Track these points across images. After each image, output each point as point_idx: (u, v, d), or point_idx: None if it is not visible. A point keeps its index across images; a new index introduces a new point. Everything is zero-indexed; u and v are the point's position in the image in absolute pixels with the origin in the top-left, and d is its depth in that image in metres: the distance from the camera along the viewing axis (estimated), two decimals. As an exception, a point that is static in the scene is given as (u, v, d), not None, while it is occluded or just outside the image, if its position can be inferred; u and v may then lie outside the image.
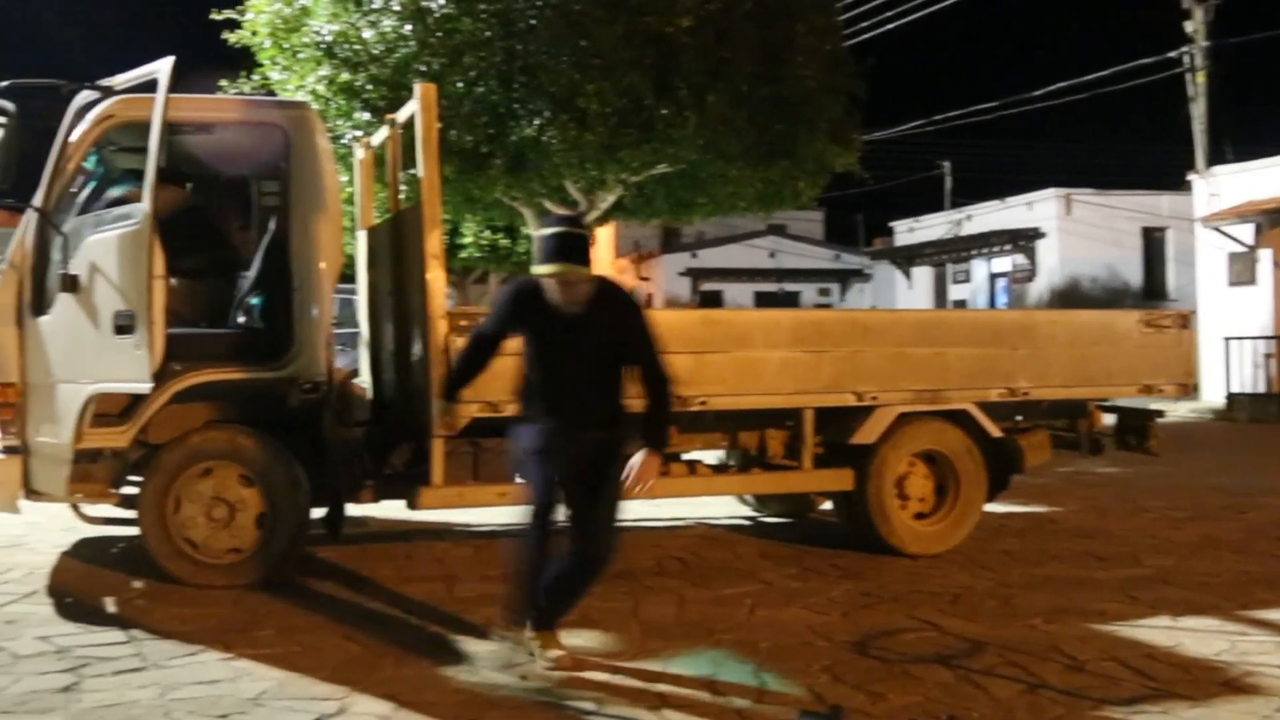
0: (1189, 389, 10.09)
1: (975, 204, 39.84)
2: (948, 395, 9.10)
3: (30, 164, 7.67)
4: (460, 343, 7.86)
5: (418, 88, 8.43)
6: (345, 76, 14.60)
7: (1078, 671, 6.13)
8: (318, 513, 8.29)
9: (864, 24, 28.20)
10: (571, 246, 5.84)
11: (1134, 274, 34.93)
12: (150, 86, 7.60)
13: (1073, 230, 34.37)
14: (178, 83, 7.51)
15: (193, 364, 7.80)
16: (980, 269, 39.00)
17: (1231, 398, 23.92)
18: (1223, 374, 24.55)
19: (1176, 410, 21.78)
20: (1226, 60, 27.79)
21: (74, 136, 7.95)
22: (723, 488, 9.60)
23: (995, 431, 9.21)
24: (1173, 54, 27.61)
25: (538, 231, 5.71)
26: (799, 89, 15.16)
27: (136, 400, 7.65)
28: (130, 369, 7.47)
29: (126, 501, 8.07)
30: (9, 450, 7.73)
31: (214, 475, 7.91)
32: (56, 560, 8.82)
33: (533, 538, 6.07)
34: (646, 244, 48.77)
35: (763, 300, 46.17)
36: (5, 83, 7.44)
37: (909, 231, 43.61)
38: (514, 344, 7.92)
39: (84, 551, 9.12)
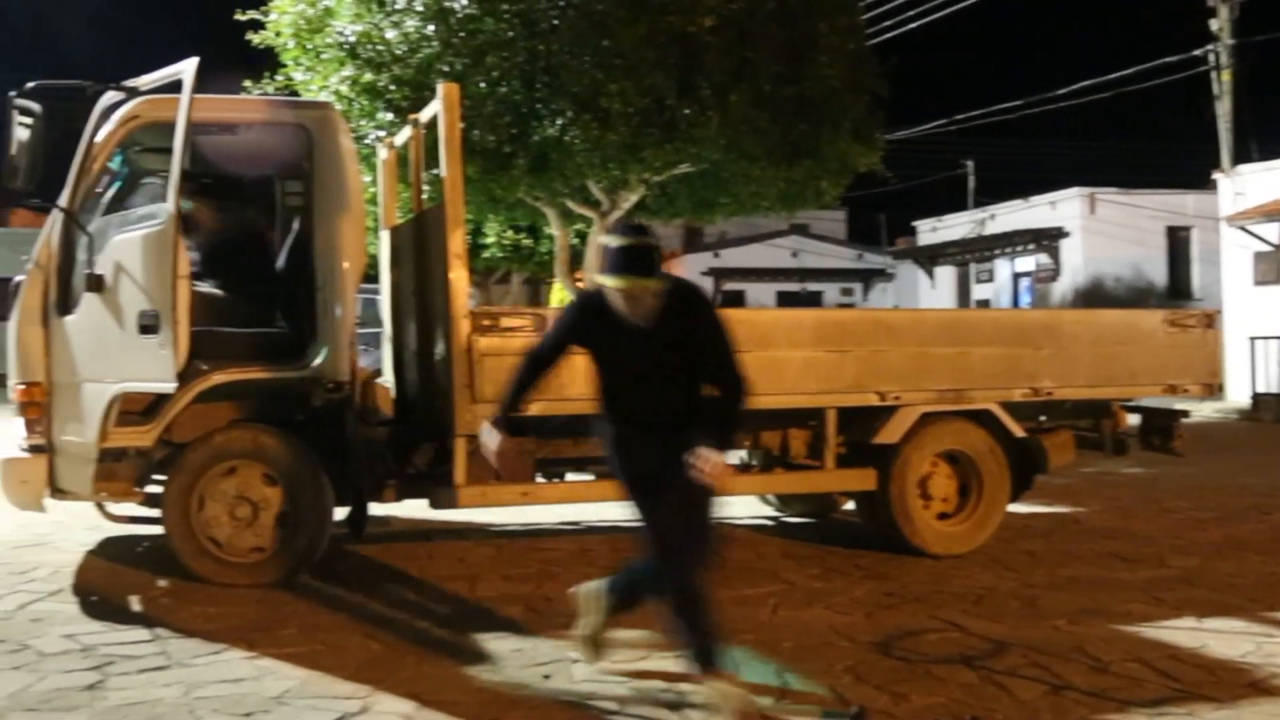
0: (1214, 389, 10.04)
1: (998, 203, 39.72)
2: (971, 395, 9.07)
3: (56, 164, 7.71)
4: (484, 344, 7.91)
5: (440, 88, 8.45)
6: (368, 77, 14.61)
7: (1102, 673, 6.11)
8: (340, 512, 8.32)
9: (887, 23, 28.19)
10: (639, 259, 5.55)
11: (1158, 273, 34.77)
12: (175, 87, 7.64)
13: (1097, 229, 34.23)
14: (202, 83, 7.55)
15: (217, 363, 7.83)
16: (1004, 268, 38.90)
17: (1257, 398, 23.80)
18: (1248, 374, 24.42)
19: (1201, 410, 21.66)
20: (1252, 58, 27.59)
21: (99, 137, 8.00)
22: (745, 488, 9.59)
23: (1019, 431, 9.18)
24: (1198, 52, 27.48)
25: (603, 239, 5.54)
26: (822, 88, 15.12)
27: (161, 399, 7.69)
28: (154, 369, 7.51)
29: (151, 500, 8.11)
30: (35, 449, 7.78)
31: (238, 474, 7.95)
32: (81, 559, 8.87)
33: (680, 562, 5.50)
34: (669, 244, 48.70)
35: (785, 300, 46.10)
36: (31, 84, 7.49)
37: (932, 231, 43.50)
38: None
39: (109, 550, 9.17)
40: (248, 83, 16.32)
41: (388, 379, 9.91)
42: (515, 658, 6.36)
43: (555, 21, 14.24)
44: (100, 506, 8.38)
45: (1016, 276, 38.33)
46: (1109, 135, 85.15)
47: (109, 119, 8.03)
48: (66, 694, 5.74)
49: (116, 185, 8.83)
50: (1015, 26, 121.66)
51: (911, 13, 28.73)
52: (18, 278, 7.93)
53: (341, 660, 6.30)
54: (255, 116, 8.72)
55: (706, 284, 46.14)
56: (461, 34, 14.30)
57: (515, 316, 8.13)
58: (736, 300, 45.53)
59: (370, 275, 9.52)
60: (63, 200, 7.80)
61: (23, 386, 7.79)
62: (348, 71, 14.70)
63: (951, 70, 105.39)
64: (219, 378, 7.81)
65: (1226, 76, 27.13)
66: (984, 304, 38.92)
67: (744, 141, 14.68)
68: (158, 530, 8.22)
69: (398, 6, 14.63)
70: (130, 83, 8.06)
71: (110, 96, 8.15)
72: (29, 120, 7.35)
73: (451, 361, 7.96)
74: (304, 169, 8.57)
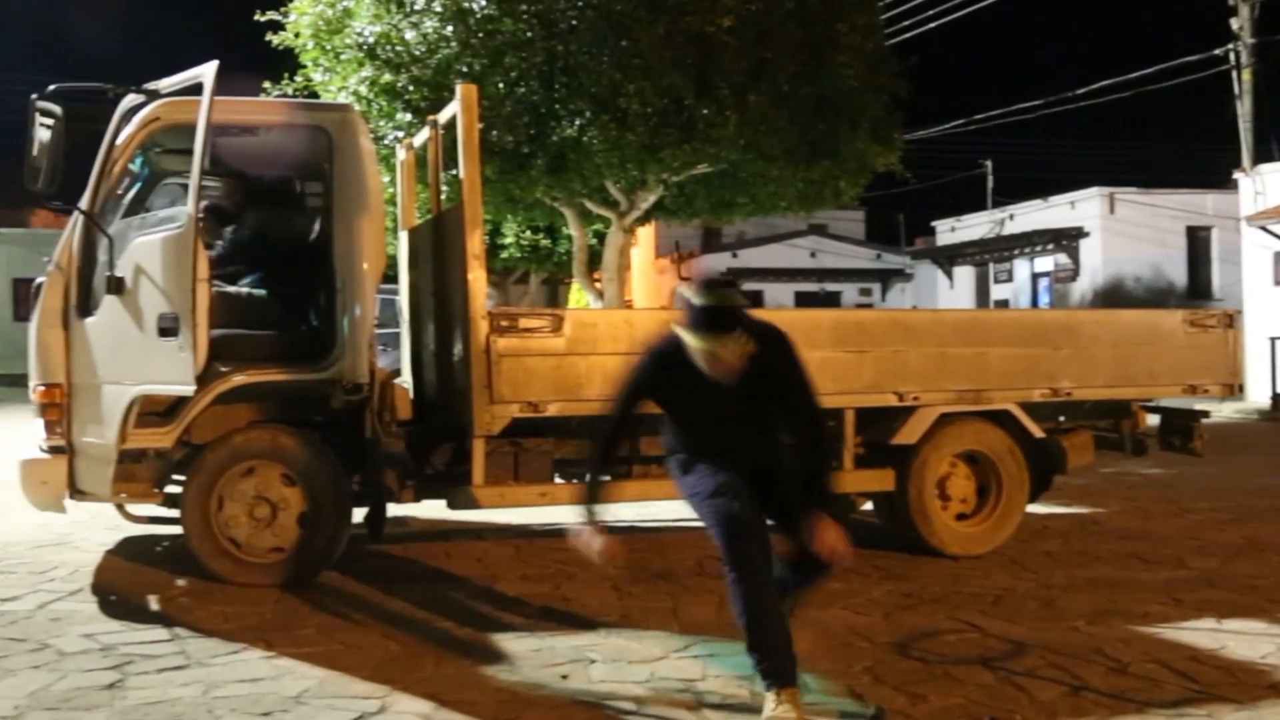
0: (1234, 389, 10.00)
1: (1017, 203, 39.64)
2: (990, 395, 9.06)
3: (77, 167, 7.75)
4: (503, 344, 7.92)
5: (459, 89, 8.46)
6: (387, 78, 14.67)
7: (1121, 674, 6.10)
8: (359, 512, 8.34)
9: (906, 23, 28.16)
10: (722, 319, 5.19)
11: (1178, 273, 34.66)
12: (195, 89, 7.66)
13: (1116, 229, 34.14)
14: (221, 85, 7.57)
15: (236, 365, 7.86)
16: (1022, 269, 38.81)
17: (1277, 398, 23.73)
18: (1268, 374, 24.34)
19: (1221, 411, 21.59)
20: (1273, 57, 27.51)
21: (120, 139, 8.03)
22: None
23: (1038, 432, 9.16)
24: (1218, 51, 27.39)
25: (684, 291, 5.29)
26: (840, 88, 15.13)
27: (180, 401, 7.71)
28: (174, 371, 7.54)
29: (170, 501, 8.14)
30: (55, 450, 7.80)
31: (256, 474, 7.97)
32: (101, 559, 8.91)
33: (751, 581, 5.27)
34: (687, 244, 48.76)
35: (803, 300, 46.05)
36: (52, 86, 7.52)
37: (951, 231, 43.43)
38: (558, 344, 8.04)
39: (128, 550, 9.21)
40: (267, 84, 16.39)
41: (406, 379, 9.93)
42: (533, 657, 6.37)
43: (574, 22, 14.28)
44: (119, 507, 8.40)
45: (1035, 277, 38.25)
46: (1129, 135, 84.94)
47: (130, 121, 8.05)
48: (86, 693, 5.77)
49: (137, 187, 8.86)
50: (1034, 26, 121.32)
51: (930, 12, 28.71)
52: (39, 280, 7.96)
53: (360, 660, 6.32)
54: (275, 118, 8.74)
55: (724, 284, 46.03)
56: (480, 35, 14.35)
57: (533, 317, 8.14)
58: (755, 301, 45.25)
59: (389, 276, 9.53)
60: (83, 202, 7.83)
61: (43, 388, 7.82)
62: (366, 72, 14.76)
63: (970, 70, 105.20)
64: (238, 379, 7.83)
65: (1247, 75, 27.04)
66: (1003, 304, 38.85)
67: (762, 141, 14.69)
68: (177, 530, 8.25)
69: (416, 7, 14.68)
70: (151, 85, 8.09)
71: (131, 99, 8.17)
72: (50, 123, 7.37)
73: (470, 362, 7.98)
74: (324, 170, 8.59)
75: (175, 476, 8.13)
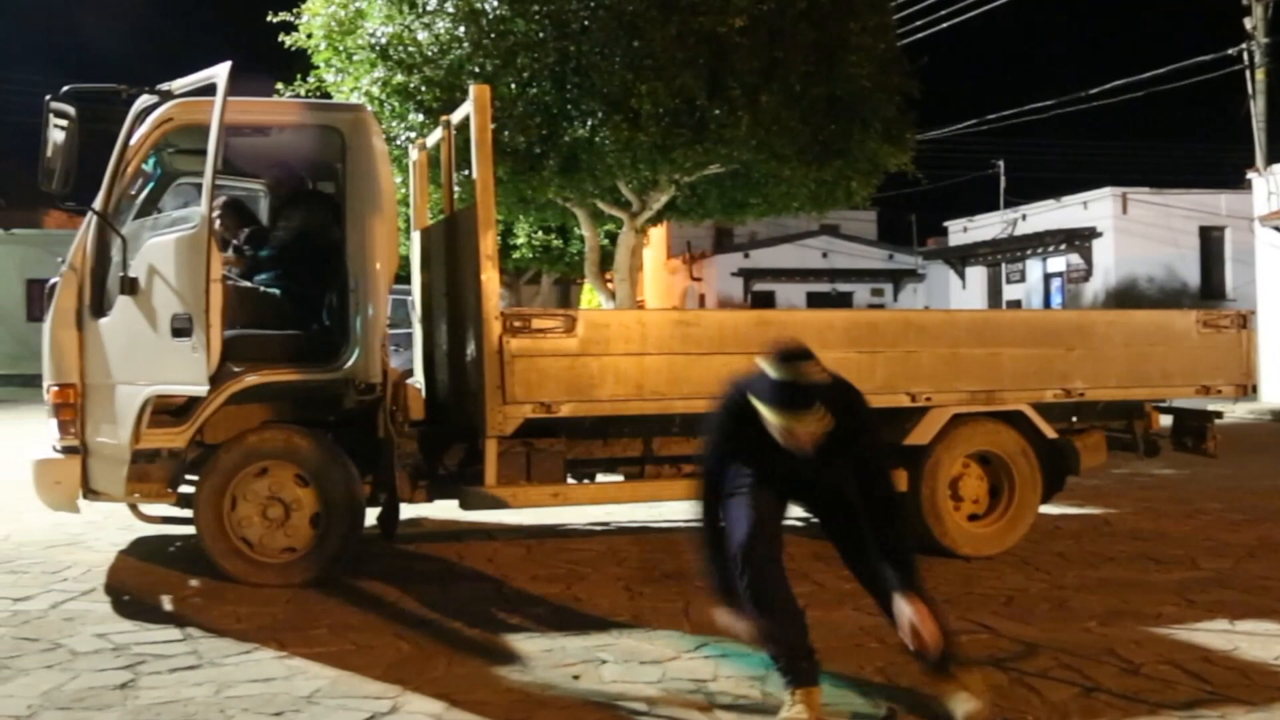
0: (1247, 390, 9.98)
1: (1030, 203, 39.57)
2: (1002, 396, 9.04)
3: (90, 168, 7.76)
4: (515, 345, 7.92)
5: (472, 89, 8.46)
6: (400, 78, 14.70)
7: (1133, 675, 6.08)
8: (372, 512, 8.35)
9: (918, 23, 28.13)
10: (799, 395, 5.01)
11: (1191, 274, 34.57)
12: (209, 90, 7.68)
13: (1129, 229, 34.06)
14: (235, 86, 7.58)
15: (249, 365, 7.87)
16: (1035, 269, 38.74)
17: (1291, 399, 23.64)
18: (1282, 375, 24.26)
19: (1234, 411, 21.52)
20: (1287, 57, 27.41)
21: (134, 140, 8.05)
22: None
23: (1050, 433, 9.15)
24: (1231, 51, 27.31)
25: (761, 361, 5.08)
26: (852, 88, 15.13)
27: (193, 401, 7.73)
28: (187, 371, 7.55)
29: (183, 501, 8.16)
30: (68, 450, 7.82)
31: (270, 475, 7.98)
32: (114, 559, 8.93)
33: (758, 582, 5.32)
34: (699, 244, 48.77)
35: (815, 300, 46.04)
36: (66, 88, 7.54)
37: (963, 231, 43.36)
38: (571, 344, 8.04)
39: (141, 550, 9.23)
40: (280, 85, 16.44)
41: (419, 380, 9.94)
42: (545, 658, 6.37)
43: (586, 22, 14.30)
44: (133, 507, 8.41)
45: (1048, 277, 38.17)
46: (1142, 135, 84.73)
47: (143, 122, 8.07)
48: (99, 693, 5.78)
49: (150, 188, 8.89)
50: (1047, 26, 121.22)
51: (943, 12, 28.68)
52: (52, 280, 7.98)
53: (372, 660, 6.32)
54: (288, 119, 8.75)
55: (737, 285, 46.15)
56: (492, 35, 14.37)
57: (546, 318, 8.14)
58: (767, 301, 45.49)
59: (402, 276, 9.55)
60: (97, 203, 7.85)
61: (57, 388, 7.84)
62: (379, 73, 14.80)
63: (982, 70, 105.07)
64: (251, 380, 7.84)
65: (1261, 75, 26.94)
66: (1015, 305, 38.77)
67: (774, 142, 14.70)
68: (190, 530, 8.26)
69: (429, 8, 14.71)
70: (164, 86, 8.11)
71: (144, 100, 8.19)
72: (64, 123, 7.39)
73: (483, 362, 7.99)
74: (337, 171, 8.61)
75: (188, 476, 8.15)
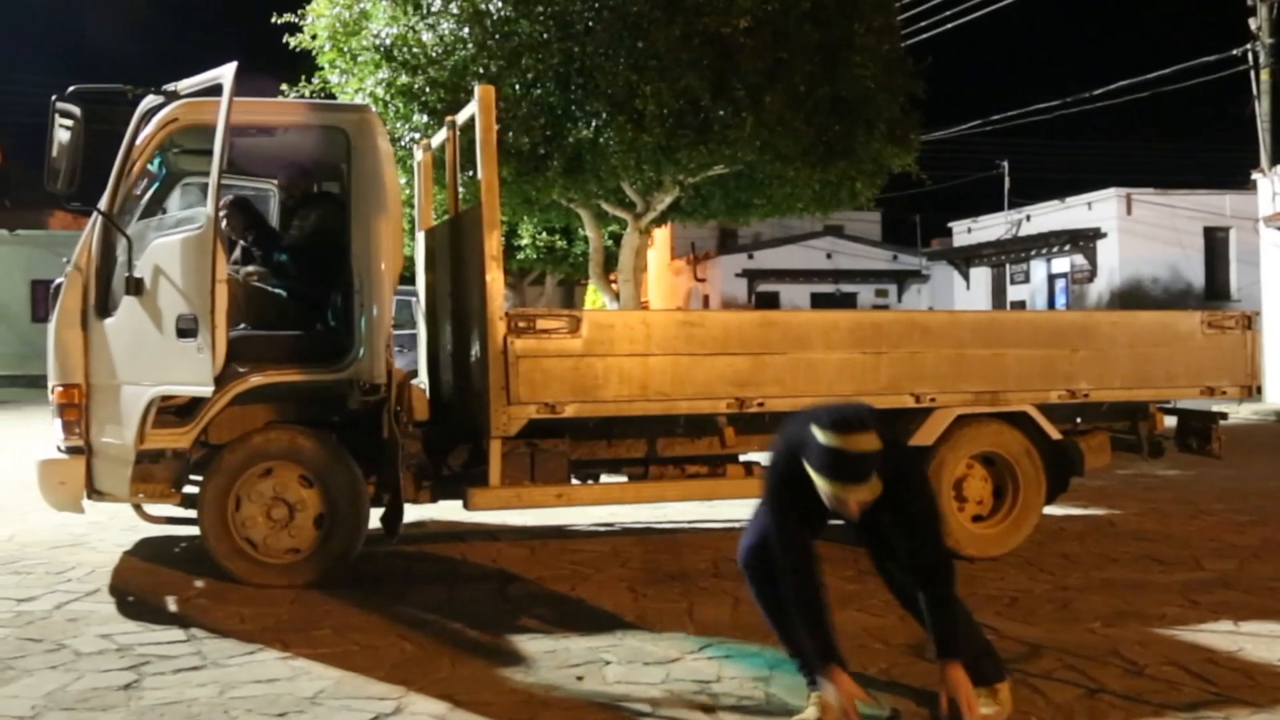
0: (1252, 391, 9.97)
1: (1034, 204, 39.54)
2: (1007, 397, 9.04)
3: (96, 168, 7.77)
4: (520, 345, 7.92)
5: (476, 90, 8.47)
6: (404, 79, 14.70)
7: (1137, 676, 6.08)
8: (376, 513, 8.35)
9: (922, 23, 28.12)
10: (852, 467, 4.86)
11: (1196, 274, 34.53)
12: (214, 91, 7.69)
13: (1133, 230, 34.03)
14: (240, 86, 7.58)
15: (254, 366, 7.88)
16: (1039, 270, 38.72)
17: (1295, 400, 23.61)
18: (1287, 376, 24.22)
19: (1239, 412, 21.49)
20: (1292, 57, 27.37)
21: (139, 140, 8.05)
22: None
23: (1055, 433, 9.14)
24: (1236, 51, 27.27)
25: (814, 428, 4.89)
26: (857, 89, 15.12)
27: (198, 401, 7.73)
28: (192, 372, 7.56)
29: (187, 501, 8.16)
30: (73, 451, 7.83)
31: (274, 475, 7.99)
32: (118, 559, 8.94)
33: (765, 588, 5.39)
34: (703, 245, 48.78)
35: (819, 301, 46.04)
36: (71, 88, 7.54)
37: (967, 232, 43.34)
38: (575, 345, 8.04)
39: (145, 550, 9.24)
40: (285, 85, 16.45)
41: (423, 380, 9.95)
42: (548, 659, 6.37)
43: (590, 23, 14.29)
44: (137, 507, 8.43)
45: (1052, 278, 38.15)
46: (1146, 135, 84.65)
47: (149, 122, 8.07)
48: (103, 693, 5.79)
49: (155, 188, 8.90)
50: (1051, 27, 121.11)
51: (947, 13, 28.66)
52: (57, 280, 7.99)
53: (375, 661, 6.33)
54: (293, 119, 8.76)
55: (741, 286, 46.16)
56: (496, 36, 14.37)
57: (551, 318, 8.14)
58: (771, 302, 45.50)
59: (406, 277, 9.55)
60: (102, 204, 7.86)
61: (61, 388, 7.84)
62: (384, 74, 14.80)
63: (987, 71, 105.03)
64: (256, 380, 7.85)
65: (1265, 75, 26.90)
66: (1019, 305, 38.74)
67: (778, 142, 14.69)
68: (194, 531, 8.28)
69: (433, 9, 14.71)
70: (170, 87, 8.11)
71: (150, 100, 8.20)
72: (69, 124, 7.40)
73: (487, 363, 7.99)
74: (342, 171, 8.62)
75: (193, 477, 8.16)
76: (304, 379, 8.05)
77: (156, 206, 8.87)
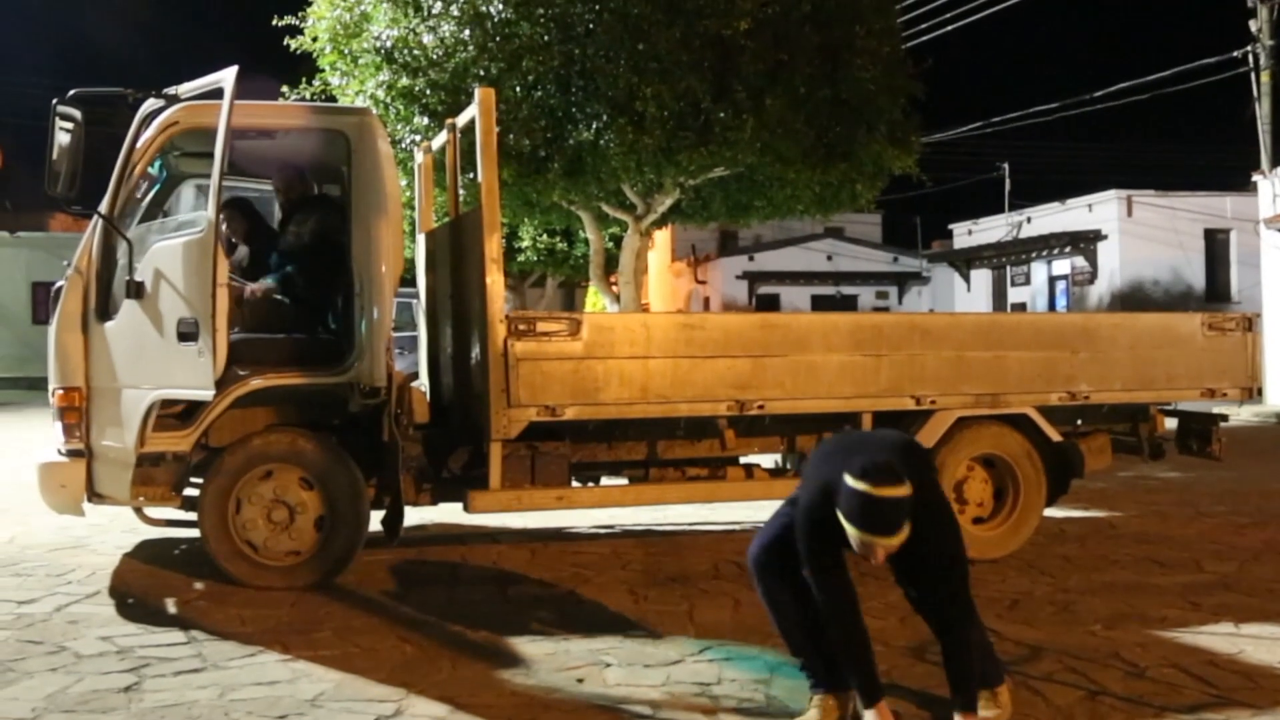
0: (1252, 393, 9.96)
1: (1035, 206, 39.51)
2: (1007, 399, 9.04)
3: (97, 171, 7.77)
4: (520, 348, 7.92)
5: (477, 92, 8.48)
6: (405, 82, 14.69)
7: (1138, 678, 6.08)
8: (376, 515, 8.36)
9: (923, 25, 28.11)
10: (883, 517, 4.81)
11: (1196, 276, 34.52)
12: (215, 94, 7.69)
13: (1134, 232, 34.02)
14: (241, 89, 7.59)
15: (254, 369, 7.88)
16: (1040, 271, 38.70)
17: (1296, 402, 23.60)
18: (1288, 378, 24.21)
19: (1239, 414, 21.49)
20: (1292, 59, 27.35)
21: (140, 144, 8.05)
22: (781, 492, 9.45)
23: (1055, 436, 9.15)
24: (1237, 53, 27.28)
25: (847, 477, 4.83)
26: (857, 91, 15.10)
27: (198, 404, 7.73)
28: (193, 375, 7.57)
29: (188, 504, 8.17)
30: (73, 454, 7.83)
31: (274, 478, 7.99)
32: (118, 562, 8.95)
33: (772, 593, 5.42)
34: (704, 247, 48.77)
35: (820, 304, 46.05)
36: (72, 91, 7.55)
37: (968, 234, 43.33)
38: (575, 347, 8.04)
39: (145, 553, 9.24)
40: (285, 88, 16.45)
41: (423, 383, 9.95)
42: (548, 661, 6.37)
43: (591, 25, 14.28)
44: (137, 510, 8.43)
45: (1053, 280, 38.13)
46: (1146, 137, 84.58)
47: (149, 126, 8.08)
48: (103, 696, 5.79)
49: (156, 191, 8.90)
50: (1052, 28, 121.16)
51: (948, 15, 28.66)
52: (58, 283, 7.99)
53: (376, 663, 6.33)
54: (294, 122, 8.76)
55: (741, 288, 46.15)
56: (497, 38, 14.36)
57: (551, 321, 8.15)
58: (771, 304, 45.51)
59: (407, 279, 9.55)
60: (103, 207, 7.86)
61: (62, 391, 7.85)
62: (384, 76, 14.78)
63: (987, 73, 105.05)
64: (256, 383, 7.85)
65: (1266, 77, 26.90)
66: (1020, 307, 38.72)
67: (779, 144, 14.67)
68: (194, 534, 8.28)
69: (434, 11, 14.69)
70: (170, 90, 8.12)
71: (150, 103, 8.20)
72: (70, 127, 7.40)
73: (487, 365, 7.99)
74: (342, 174, 8.62)
75: (193, 480, 8.16)
76: (304, 382, 8.06)
77: (157, 210, 8.88)
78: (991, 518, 9.16)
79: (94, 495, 7.89)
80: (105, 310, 7.84)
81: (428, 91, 14.62)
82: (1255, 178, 27.54)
